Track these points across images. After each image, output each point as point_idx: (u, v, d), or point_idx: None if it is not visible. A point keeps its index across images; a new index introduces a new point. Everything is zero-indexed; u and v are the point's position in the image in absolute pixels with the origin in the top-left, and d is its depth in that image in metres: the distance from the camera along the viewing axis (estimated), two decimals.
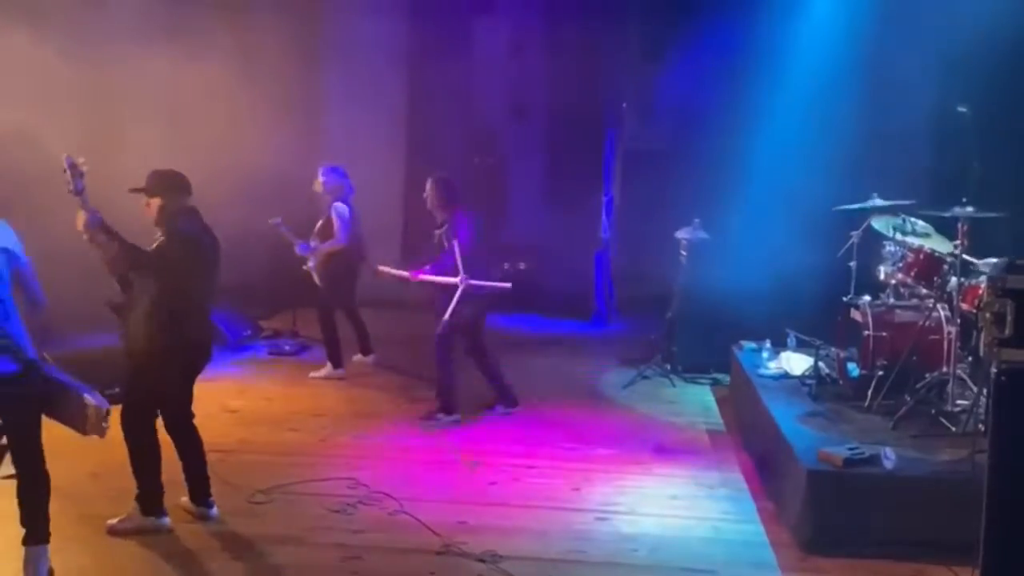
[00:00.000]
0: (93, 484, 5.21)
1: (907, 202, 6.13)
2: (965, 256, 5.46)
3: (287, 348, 8.46)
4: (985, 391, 5.09)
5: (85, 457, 5.12)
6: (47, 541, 4.10)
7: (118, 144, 6.87)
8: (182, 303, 4.62)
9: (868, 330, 5.84)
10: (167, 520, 4.69)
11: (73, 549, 4.39)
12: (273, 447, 5.99)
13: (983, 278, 5.47)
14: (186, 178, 4.79)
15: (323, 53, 10.39)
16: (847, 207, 6.32)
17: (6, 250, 4.04)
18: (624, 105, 10.15)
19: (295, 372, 7.78)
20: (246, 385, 7.30)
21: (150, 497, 4.66)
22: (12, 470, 4.21)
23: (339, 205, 7.46)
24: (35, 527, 4.07)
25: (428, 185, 6.66)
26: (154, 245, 4.64)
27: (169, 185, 4.72)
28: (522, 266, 10.39)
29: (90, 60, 7.17)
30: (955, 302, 5.49)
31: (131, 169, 4.94)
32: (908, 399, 5.52)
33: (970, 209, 5.41)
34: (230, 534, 4.74)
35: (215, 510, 4.89)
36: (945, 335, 5.59)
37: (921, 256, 5.93)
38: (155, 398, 4.72)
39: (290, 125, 9.53)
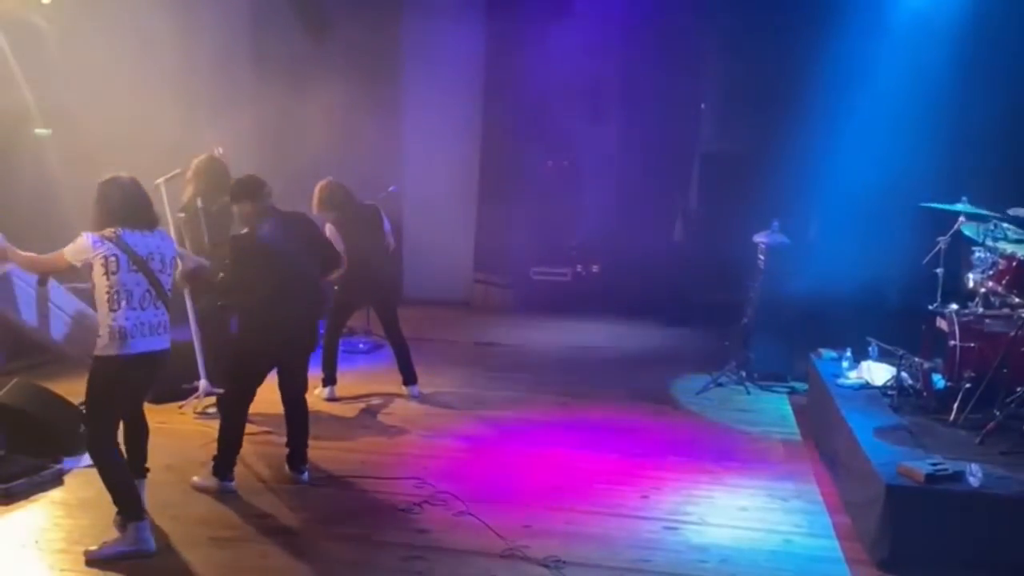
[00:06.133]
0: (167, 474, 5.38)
1: (998, 212, 5.86)
2: None
3: (361, 346, 8.57)
4: None
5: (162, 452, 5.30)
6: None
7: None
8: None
9: (955, 340, 5.59)
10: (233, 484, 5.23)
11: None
12: (342, 443, 6.06)
13: None
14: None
15: (402, 59, 10.51)
16: (936, 205, 6.05)
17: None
18: (703, 106, 9.97)
19: (368, 370, 7.86)
20: (317, 381, 7.40)
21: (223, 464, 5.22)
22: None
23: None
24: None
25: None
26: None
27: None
28: (595, 268, 10.32)
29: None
30: None
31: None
32: (997, 414, 5.26)
33: None
34: (294, 528, 4.81)
35: (306, 475, 5.41)
36: None
37: (1014, 264, 5.65)
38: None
39: (371, 129, 9.67)
